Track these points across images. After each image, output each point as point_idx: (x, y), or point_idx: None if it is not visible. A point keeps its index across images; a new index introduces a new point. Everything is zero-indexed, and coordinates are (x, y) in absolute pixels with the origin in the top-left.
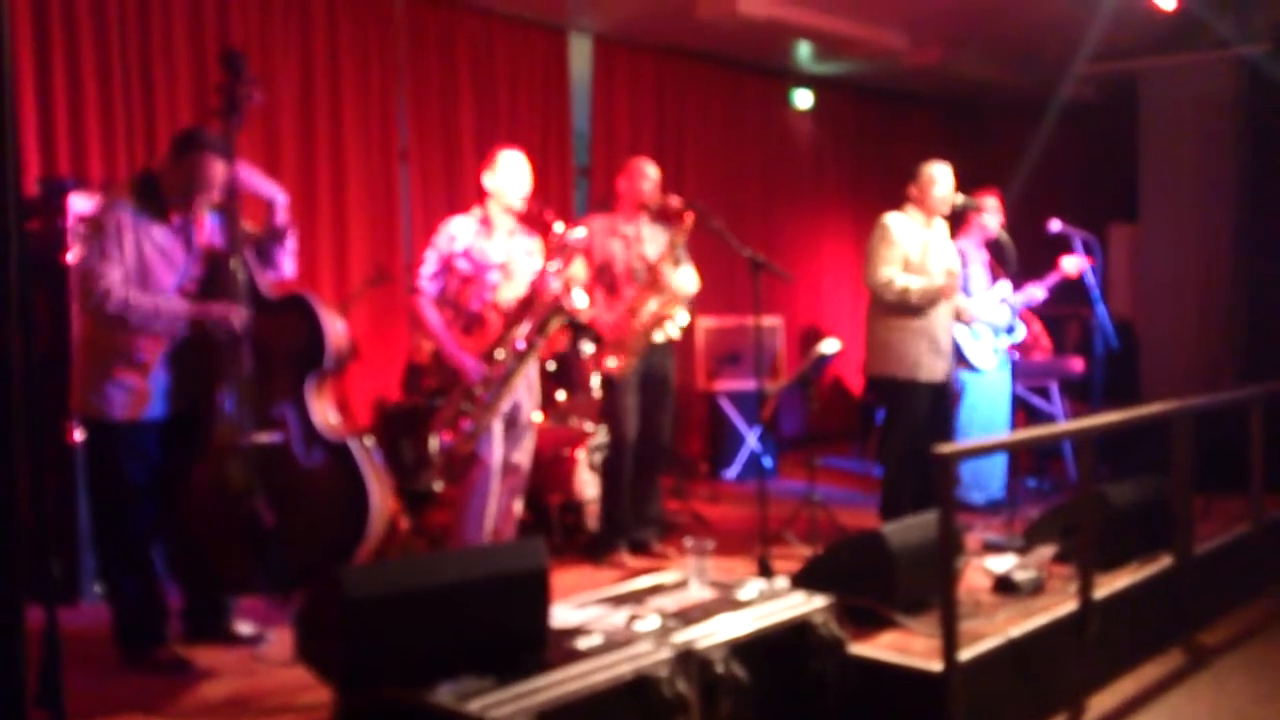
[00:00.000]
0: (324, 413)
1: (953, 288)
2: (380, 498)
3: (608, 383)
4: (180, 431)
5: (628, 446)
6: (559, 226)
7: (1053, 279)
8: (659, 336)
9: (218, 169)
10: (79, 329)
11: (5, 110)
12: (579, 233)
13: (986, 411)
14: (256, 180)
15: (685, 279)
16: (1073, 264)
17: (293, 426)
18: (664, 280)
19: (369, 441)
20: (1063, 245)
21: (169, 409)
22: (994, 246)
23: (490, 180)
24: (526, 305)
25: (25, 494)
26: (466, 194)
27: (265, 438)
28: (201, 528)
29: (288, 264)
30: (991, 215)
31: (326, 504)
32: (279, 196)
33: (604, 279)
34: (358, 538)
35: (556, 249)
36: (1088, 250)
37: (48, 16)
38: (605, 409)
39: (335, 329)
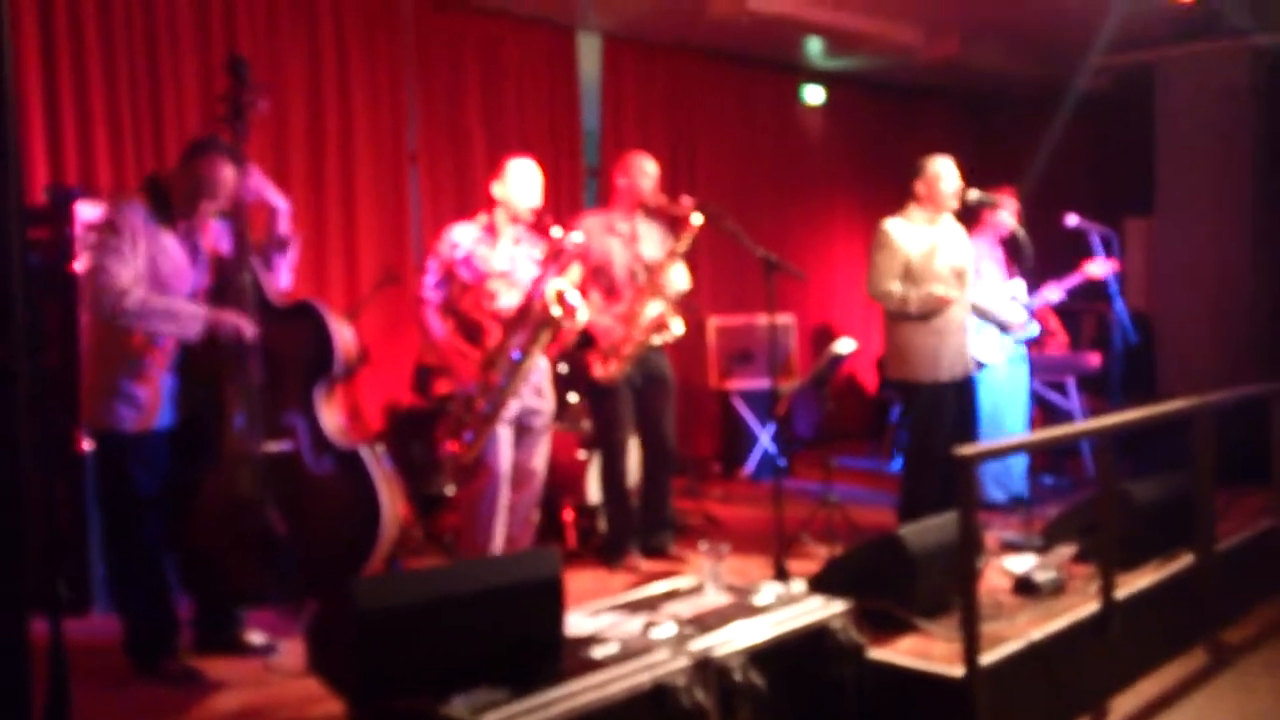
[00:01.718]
0: (334, 420)
1: (955, 298)
2: (391, 505)
3: (597, 388)
4: (189, 439)
5: (623, 449)
6: (556, 231)
7: (1074, 280)
8: (657, 340)
9: (227, 173)
10: (89, 339)
11: (7, 118)
12: (576, 237)
13: (1003, 407)
14: (262, 187)
15: (678, 278)
16: (1099, 268)
17: (302, 435)
18: (664, 285)
19: (379, 449)
20: (1079, 240)
21: (177, 416)
22: (1010, 243)
23: (499, 189)
24: (524, 313)
25: (33, 507)
26: (476, 195)
27: (275, 446)
28: (212, 538)
29: (285, 275)
30: (1007, 212)
31: (337, 512)
32: (283, 205)
33: (601, 280)
34: (369, 546)
35: (553, 254)
36: (1106, 246)
37: (53, 25)
38: (597, 413)
39: (343, 336)
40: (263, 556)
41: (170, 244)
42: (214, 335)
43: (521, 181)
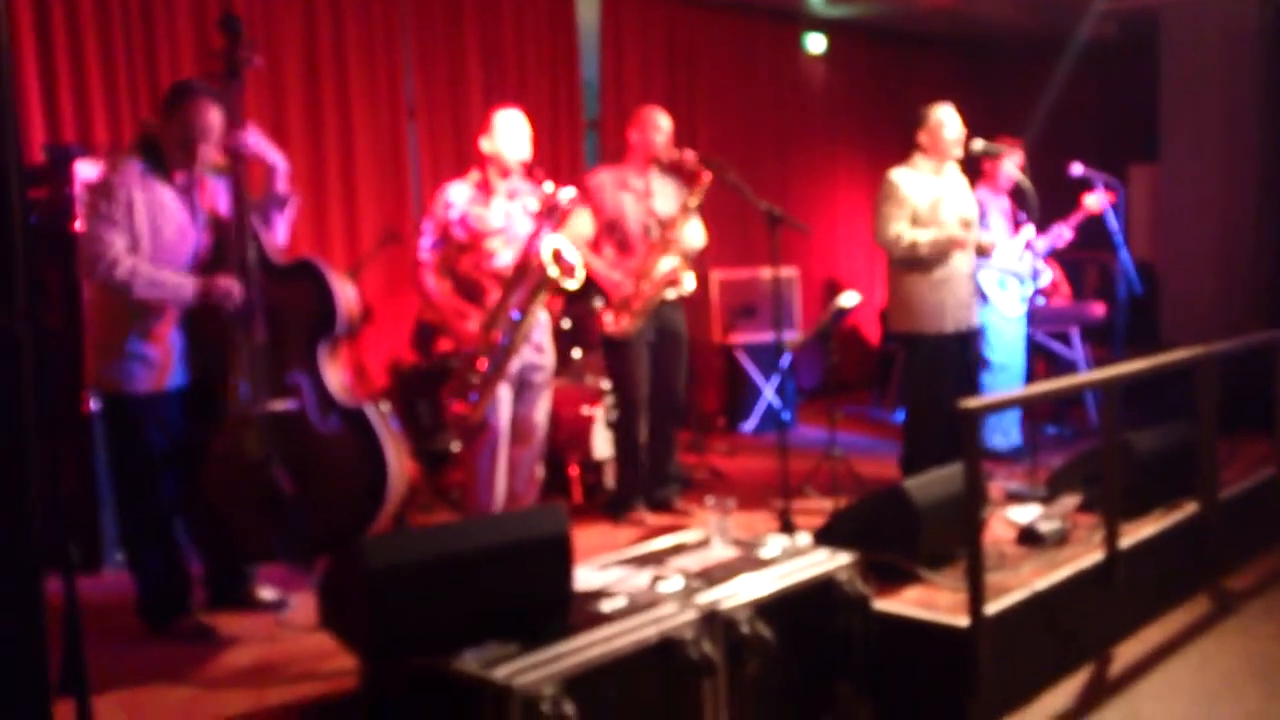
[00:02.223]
0: (338, 379)
1: (965, 239)
2: (397, 462)
3: (613, 342)
4: (199, 399)
5: (638, 405)
6: (548, 186)
7: (1077, 217)
8: (670, 295)
9: (213, 114)
10: (91, 299)
11: (4, 77)
12: (568, 192)
13: (1002, 357)
14: (260, 144)
15: (693, 234)
16: (1095, 200)
17: (307, 393)
18: (677, 240)
19: (384, 407)
20: (1085, 188)
21: (189, 376)
22: (1015, 193)
23: (487, 144)
24: (521, 271)
25: (41, 468)
26: (476, 150)
27: (280, 405)
28: (221, 497)
29: (283, 232)
30: (1011, 162)
31: (344, 470)
32: (281, 163)
33: (615, 235)
34: (377, 503)
35: (546, 211)
36: (1110, 192)
37: None
38: (613, 368)
39: (345, 293)
40: (270, 515)
41: (169, 201)
42: (210, 300)
43: (509, 134)
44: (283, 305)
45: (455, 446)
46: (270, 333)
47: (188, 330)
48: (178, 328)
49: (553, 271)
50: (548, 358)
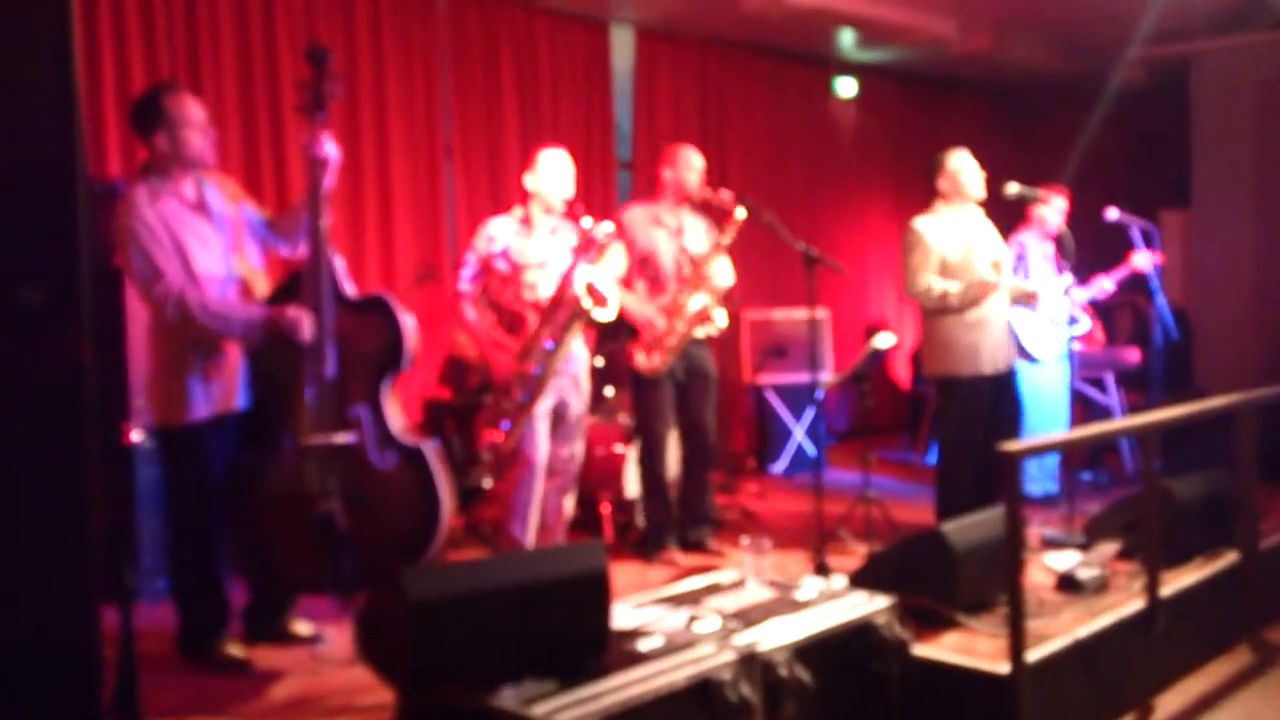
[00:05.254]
0: (397, 415)
1: (994, 285)
2: (449, 502)
3: (640, 379)
4: (256, 425)
5: (662, 440)
6: (586, 221)
7: (1122, 272)
8: (700, 333)
9: (190, 105)
10: (148, 329)
11: (73, 108)
12: (606, 227)
13: (1046, 404)
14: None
15: (722, 272)
16: (1144, 260)
17: (367, 427)
18: (708, 277)
19: (435, 444)
20: (1118, 234)
21: (248, 401)
22: (1055, 240)
23: (531, 181)
24: (557, 303)
25: (98, 500)
26: (510, 189)
27: (341, 438)
28: (274, 526)
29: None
30: (1052, 209)
31: (398, 508)
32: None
33: (647, 271)
34: (427, 541)
35: (584, 245)
36: (1146, 239)
37: (97, 17)
38: (638, 403)
39: (411, 329)
40: (323, 547)
41: (185, 216)
42: (277, 331)
43: (553, 172)
44: (354, 338)
45: (487, 483)
46: (340, 365)
47: (253, 357)
48: (243, 353)
49: (586, 303)
50: (583, 396)
